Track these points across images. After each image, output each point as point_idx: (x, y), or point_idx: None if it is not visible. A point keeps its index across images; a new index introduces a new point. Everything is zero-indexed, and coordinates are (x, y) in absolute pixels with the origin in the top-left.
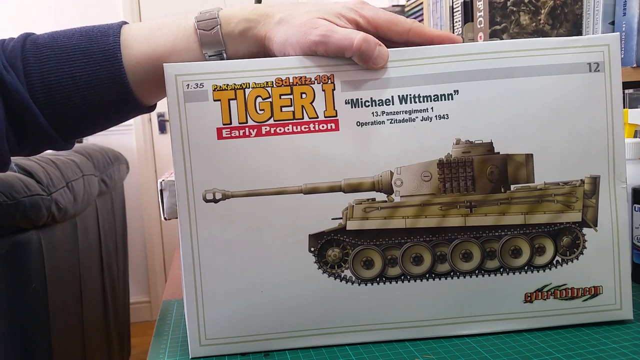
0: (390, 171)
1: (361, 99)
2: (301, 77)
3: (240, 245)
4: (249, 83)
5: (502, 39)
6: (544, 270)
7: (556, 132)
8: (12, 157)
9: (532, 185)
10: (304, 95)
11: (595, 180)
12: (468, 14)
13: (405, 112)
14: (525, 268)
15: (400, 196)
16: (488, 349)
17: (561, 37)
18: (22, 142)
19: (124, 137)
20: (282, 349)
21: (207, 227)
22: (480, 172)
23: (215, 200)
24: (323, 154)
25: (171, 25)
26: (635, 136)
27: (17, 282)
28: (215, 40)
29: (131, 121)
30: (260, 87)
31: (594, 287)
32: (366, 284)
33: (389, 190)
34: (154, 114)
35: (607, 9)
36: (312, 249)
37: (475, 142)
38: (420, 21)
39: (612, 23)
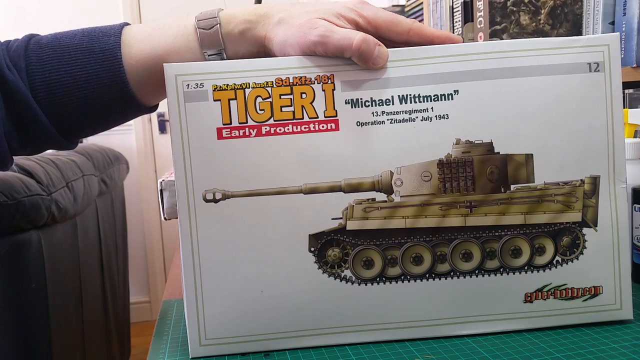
0: (390, 171)
1: (361, 99)
2: (301, 77)
3: (240, 245)
4: (249, 83)
5: (502, 39)
6: (544, 270)
7: (556, 132)
8: (13, 156)
9: (532, 185)
10: (304, 95)
11: (595, 180)
12: (468, 14)
13: (405, 112)
14: (525, 268)
15: (400, 196)
16: (488, 349)
17: (561, 37)
18: (23, 140)
19: (124, 137)
20: (282, 349)
21: (207, 227)
22: (480, 172)
23: (215, 200)
24: (323, 153)
25: (172, 25)
26: (635, 136)
27: (17, 282)
28: (215, 40)
29: (131, 121)
30: (260, 87)
31: (594, 287)
32: (366, 284)
33: (389, 190)
34: (154, 114)
35: (607, 9)
36: (312, 249)
37: (475, 142)
38: (420, 21)
39: (612, 23)
